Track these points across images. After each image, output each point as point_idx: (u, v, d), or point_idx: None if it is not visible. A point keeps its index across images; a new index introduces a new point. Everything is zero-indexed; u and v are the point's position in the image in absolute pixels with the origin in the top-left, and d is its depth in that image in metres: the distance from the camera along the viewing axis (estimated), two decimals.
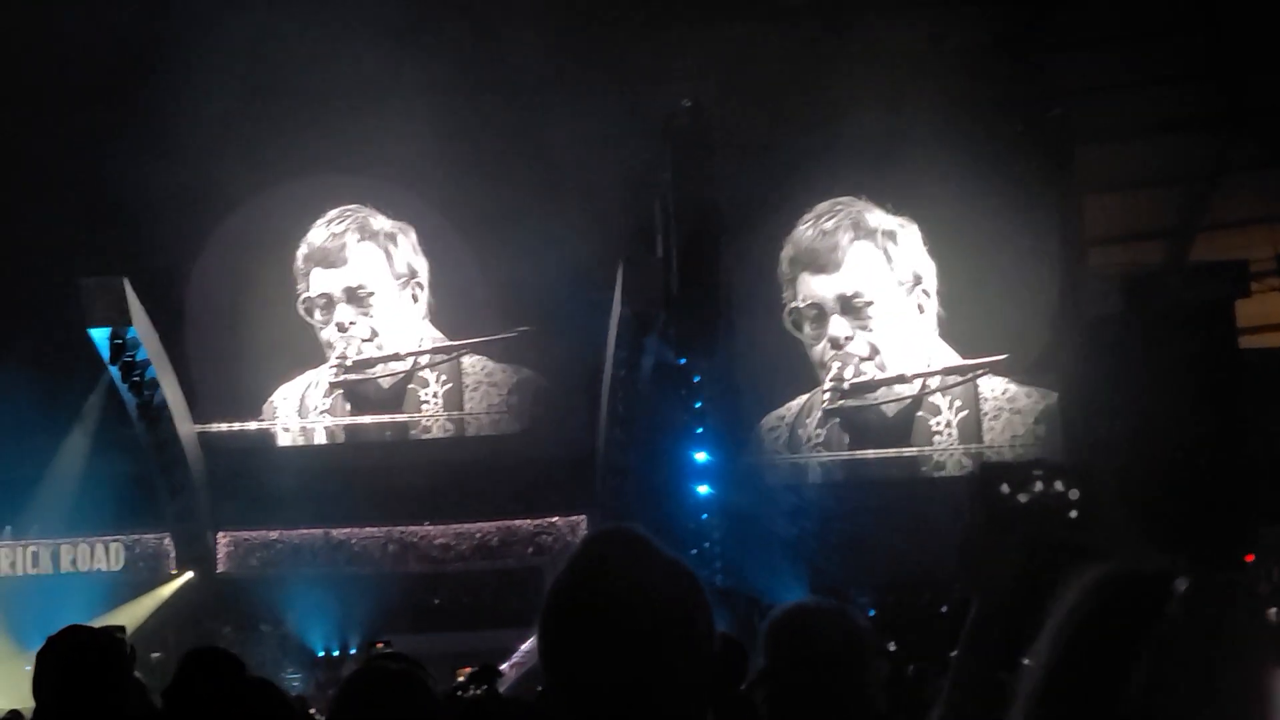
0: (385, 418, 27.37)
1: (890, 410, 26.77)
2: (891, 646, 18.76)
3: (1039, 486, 3.13)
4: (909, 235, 26.69)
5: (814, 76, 25.46)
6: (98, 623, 17.28)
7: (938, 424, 26.71)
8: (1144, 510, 18.61)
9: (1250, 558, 23.06)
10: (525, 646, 25.25)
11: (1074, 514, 3.12)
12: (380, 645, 18.80)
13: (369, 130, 25.28)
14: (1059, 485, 3.15)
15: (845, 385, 26.65)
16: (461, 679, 11.70)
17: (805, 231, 26.70)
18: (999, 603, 2.99)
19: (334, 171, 26.08)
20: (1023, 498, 3.12)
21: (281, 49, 23.71)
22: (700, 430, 25.23)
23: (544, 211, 24.15)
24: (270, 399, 27.17)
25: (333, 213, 27.14)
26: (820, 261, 26.65)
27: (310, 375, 27.29)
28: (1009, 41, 26.07)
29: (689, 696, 2.41)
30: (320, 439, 27.46)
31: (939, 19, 25.66)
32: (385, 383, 27.42)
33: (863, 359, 26.63)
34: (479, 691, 8.56)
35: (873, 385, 26.75)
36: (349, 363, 27.17)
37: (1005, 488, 3.13)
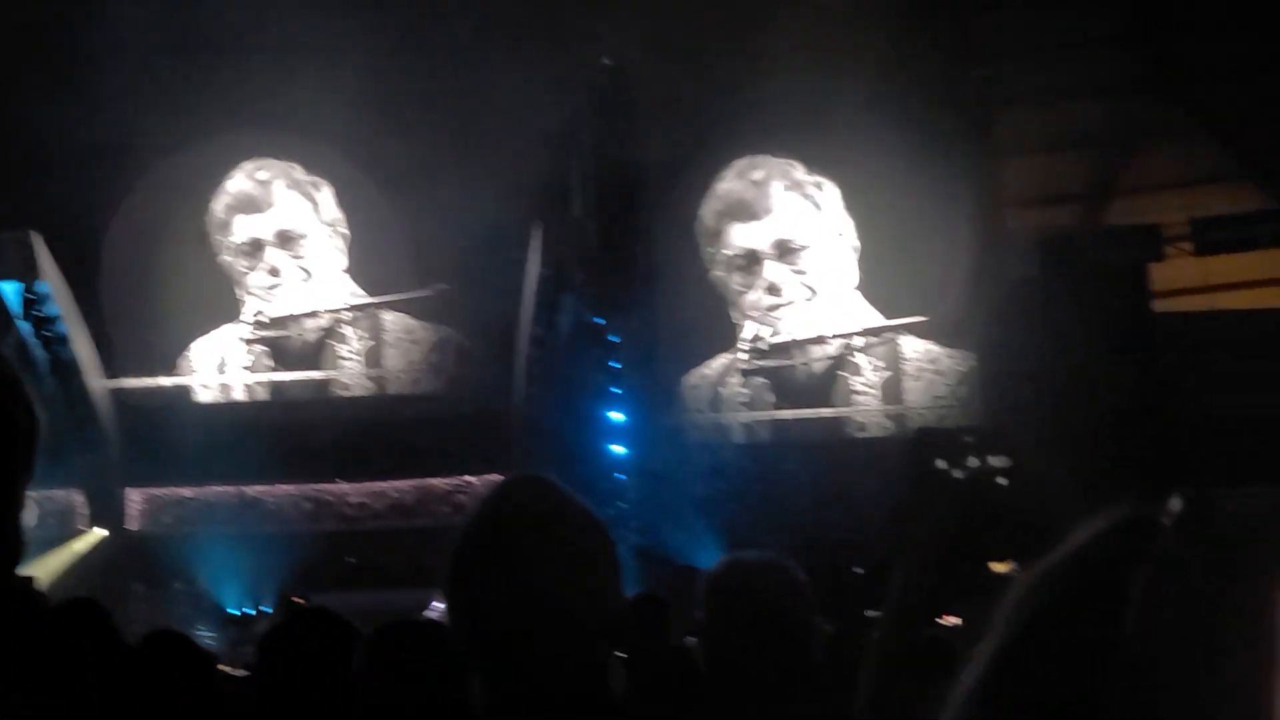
0: (304, 375, 27.20)
1: (814, 369, 26.86)
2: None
3: (972, 457, 3.11)
4: (831, 190, 26.76)
5: (738, 35, 25.40)
6: None
7: (859, 384, 26.81)
8: (1063, 473, 18.76)
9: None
10: (441, 604, 25.22)
11: (1003, 481, 3.10)
12: (297, 600, 18.73)
13: (287, 85, 25.00)
14: (991, 456, 3.13)
15: (763, 346, 26.70)
16: None
17: (731, 185, 26.75)
18: (924, 571, 2.99)
19: (251, 126, 25.86)
20: (957, 471, 3.10)
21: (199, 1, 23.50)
22: (617, 390, 25.21)
23: (463, 170, 23.99)
24: (187, 354, 26.95)
25: (249, 165, 26.94)
26: (750, 210, 26.72)
27: (229, 330, 27.09)
28: (933, 2, 26.13)
29: (591, 644, 2.41)
30: (239, 395, 27.26)
31: None
32: (308, 337, 27.24)
33: (801, 300, 26.62)
34: None
35: (788, 347, 26.81)
36: (266, 319, 26.98)
37: (939, 458, 3.11)
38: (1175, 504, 1.27)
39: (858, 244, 26.70)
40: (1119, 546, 1.26)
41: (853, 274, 26.76)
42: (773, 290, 26.62)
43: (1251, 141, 29.66)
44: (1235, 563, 1.21)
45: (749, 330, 26.68)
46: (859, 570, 23.66)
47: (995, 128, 26.56)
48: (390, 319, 27.19)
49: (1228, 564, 1.22)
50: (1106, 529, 1.28)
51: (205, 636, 23.94)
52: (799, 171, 26.74)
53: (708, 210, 26.74)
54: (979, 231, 26.09)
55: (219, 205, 26.94)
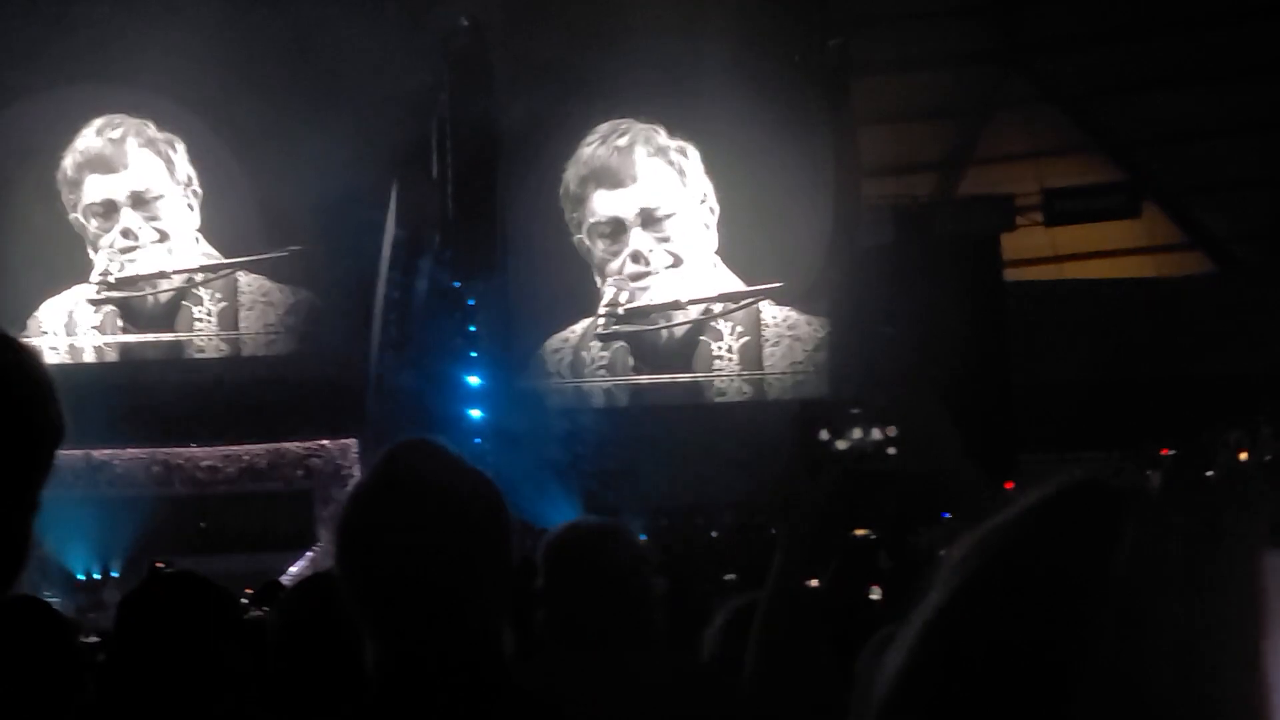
0: (157, 336, 26.77)
1: (674, 333, 26.91)
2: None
3: (857, 431, 3.13)
4: (694, 155, 26.79)
5: None
6: None
7: (719, 349, 26.92)
8: (916, 439, 18.98)
9: (1010, 485, 23.68)
10: (294, 569, 25.01)
11: (891, 451, 3.13)
12: (159, 565, 18.50)
13: (137, 39, 24.56)
14: (877, 430, 3.15)
15: (620, 310, 26.72)
16: (245, 600, 11.59)
17: (595, 150, 26.65)
18: (804, 539, 3.02)
19: (101, 80, 25.34)
20: (841, 443, 3.12)
21: None
22: (474, 354, 25.13)
23: (319, 129, 23.70)
24: (35, 314, 26.37)
25: (99, 121, 26.37)
26: (616, 177, 26.64)
27: (79, 290, 26.54)
28: None
29: (491, 607, 2.40)
30: (89, 357, 26.75)
31: None
32: (161, 298, 26.79)
33: (663, 270, 26.65)
34: (262, 612, 8.43)
35: (646, 311, 26.85)
36: (112, 279, 26.51)
37: (823, 432, 3.13)
38: (1164, 468, 1.26)
39: (718, 210, 26.75)
40: (1073, 513, 1.25)
41: (714, 240, 26.82)
42: (637, 258, 26.61)
43: (1099, 114, 30.20)
44: (1220, 528, 1.21)
45: (608, 295, 26.67)
46: (714, 534, 23.85)
47: (851, 97, 26.74)
48: (246, 280, 26.81)
49: (1213, 529, 1.21)
50: (1057, 495, 1.27)
51: (52, 601, 23.58)
52: (662, 136, 26.72)
53: (571, 175, 26.65)
54: (835, 199, 26.27)
55: (69, 163, 26.35)
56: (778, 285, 26.75)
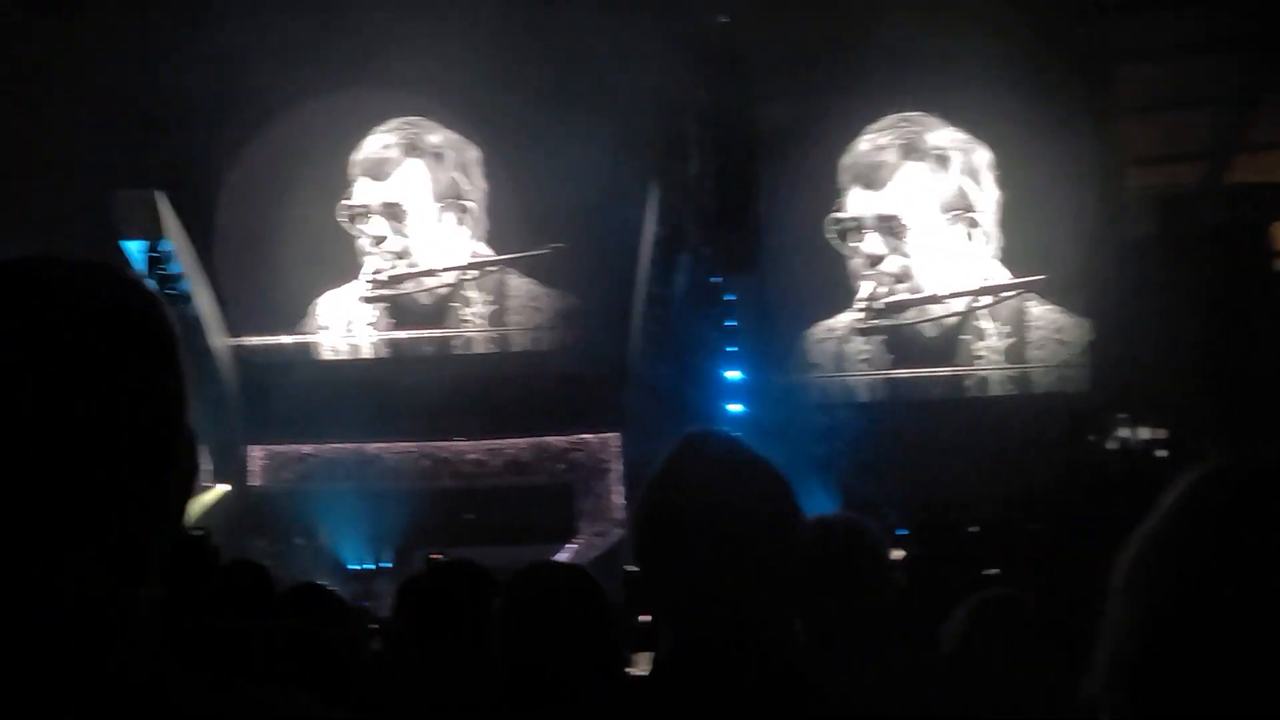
0: (427, 332, 27.34)
1: (930, 331, 26.71)
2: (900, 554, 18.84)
3: (1124, 431, 3.18)
4: (969, 156, 26.53)
5: None
6: None
7: (982, 349, 26.65)
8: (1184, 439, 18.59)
9: None
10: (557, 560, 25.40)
11: (1162, 453, 3.16)
12: (436, 556, 18.94)
13: (402, 42, 25.10)
14: (1145, 428, 3.20)
15: (878, 305, 26.60)
16: None
17: (862, 145, 26.61)
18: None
19: (378, 86, 25.86)
20: (1110, 444, 3.17)
21: None
22: (733, 349, 25.21)
23: (578, 128, 24.04)
24: (313, 310, 27.12)
25: (394, 121, 26.96)
26: (868, 178, 26.57)
27: (352, 287, 27.24)
28: None
29: (782, 595, 2.48)
30: (360, 353, 27.43)
31: None
32: (425, 299, 27.36)
33: (895, 278, 26.55)
34: None
35: (903, 306, 26.68)
36: (382, 277, 27.16)
37: (1092, 435, 3.18)
38: None
39: (982, 206, 26.46)
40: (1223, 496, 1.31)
41: (970, 237, 26.55)
42: (869, 261, 26.48)
43: None
44: None
45: (865, 289, 26.57)
46: (974, 529, 23.61)
47: (1114, 84, 26.23)
48: (516, 284, 27.22)
49: None
50: (1201, 481, 1.34)
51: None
52: (938, 134, 26.50)
53: (843, 164, 26.59)
54: (1095, 191, 25.80)
55: (352, 161, 27.00)
56: (1038, 279, 26.40)
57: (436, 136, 27.03)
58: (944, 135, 26.59)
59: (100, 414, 1.49)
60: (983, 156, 26.54)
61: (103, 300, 1.53)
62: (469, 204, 27.06)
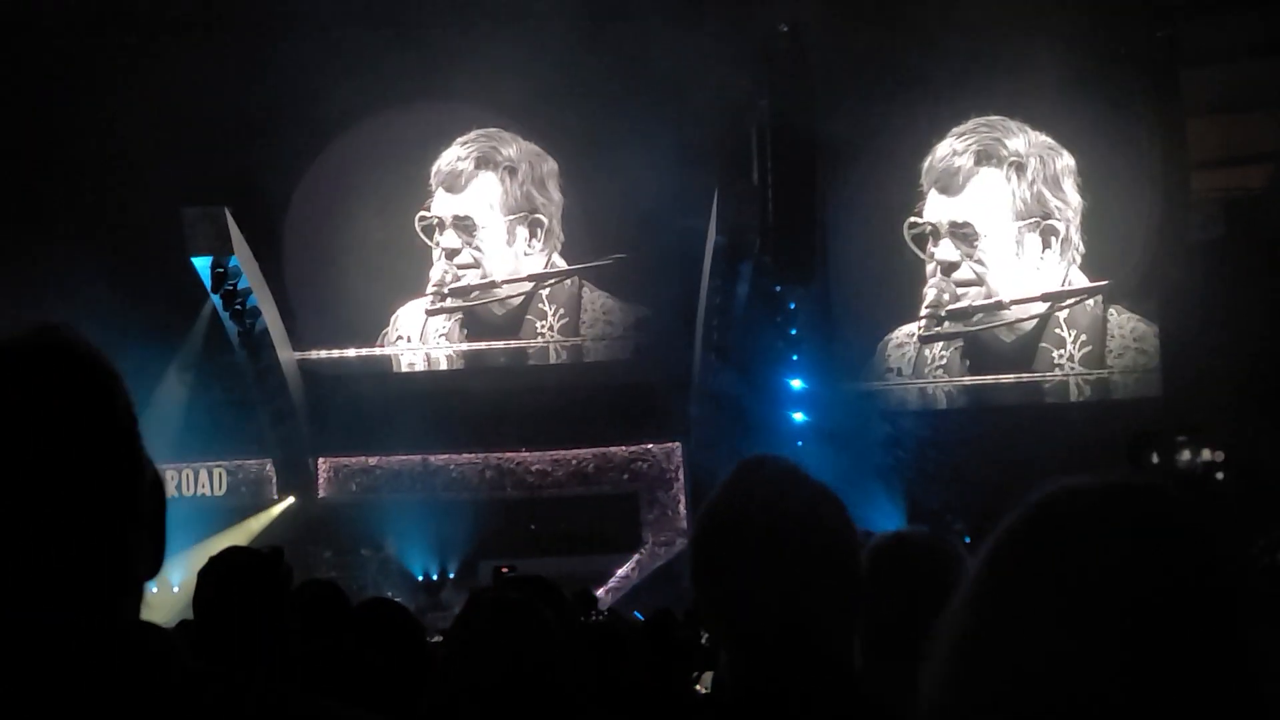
0: (502, 344, 27.37)
1: (1007, 337, 26.60)
2: None
3: (1186, 454, 3.16)
4: (1049, 161, 26.42)
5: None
6: (200, 547, 17.56)
7: (1059, 356, 26.53)
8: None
9: None
10: (621, 571, 25.45)
11: (1220, 477, 3.14)
12: (505, 570, 18.96)
13: (470, 58, 25.17)
14: (1206, 451, 3.18)
15: (942, 311, 26.51)
16: None
17: (943, 149, 26.51)
18: None
19: (450, 100, 25.93)
20: (1170, 465, 3.16)
21: None
22: (795, 358, 25.19)
23: (643, 138, 24.07)
24: (392, 322, 27.21)
25: (472, 133, 27.03)
26: (944, 183, 26.47)
27: (419, 302, 27.31)
28: None
29: (840, 615, 2.49)
30: (426, 365, 27.51)
31: None
32: (499, 310, 27.42)
33: (965, 284, 26.45)
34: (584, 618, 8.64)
35: (969, 312, 26.57)
36: (446, 289, 27.25)
37: (1155, 457, 3.16)
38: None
39: (1054, 212, 26.35)
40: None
41: (1041, 243, 26.42)
42: (947, 268, 26.38)
43: None
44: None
45: (930, 296, 26.48)
46: None
47: (1180, 88, 26.07)
48: (589, 296, 27.25)
49: None
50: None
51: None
52: (1016, 140, 26.39)
53: (924, 166, 26.49)
54: (1163, 193, 25.66)
55: (431, 173, 27.10)
56: (1105, 283, 26.26)
57: (511, 149, 27.07)
58: (1022, 140, 26.45)
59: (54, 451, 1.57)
60: (1064, 162, 26.40)
61: (38, 366, 1.59)
62: (543, 217, 27.08)
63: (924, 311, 26.53)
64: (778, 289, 24.80)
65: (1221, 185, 26.79)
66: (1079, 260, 26.49)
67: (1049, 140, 26.39)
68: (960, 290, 26.48)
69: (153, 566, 1.67)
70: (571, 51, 24.56)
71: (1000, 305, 26.57)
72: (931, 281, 26.48)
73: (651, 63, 24.15)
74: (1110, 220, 25.82)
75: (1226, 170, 27.55)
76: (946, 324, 26.57)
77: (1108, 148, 25.26)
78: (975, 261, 26.39)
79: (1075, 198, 26.39)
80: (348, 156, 26.28)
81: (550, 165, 26.98)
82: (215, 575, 4.40)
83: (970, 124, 26.51)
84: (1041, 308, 26.56)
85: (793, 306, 24.98)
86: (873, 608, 3.81)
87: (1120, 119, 25.17)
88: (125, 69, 24.38)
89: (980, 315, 26.58)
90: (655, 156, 23.86)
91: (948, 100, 25.95)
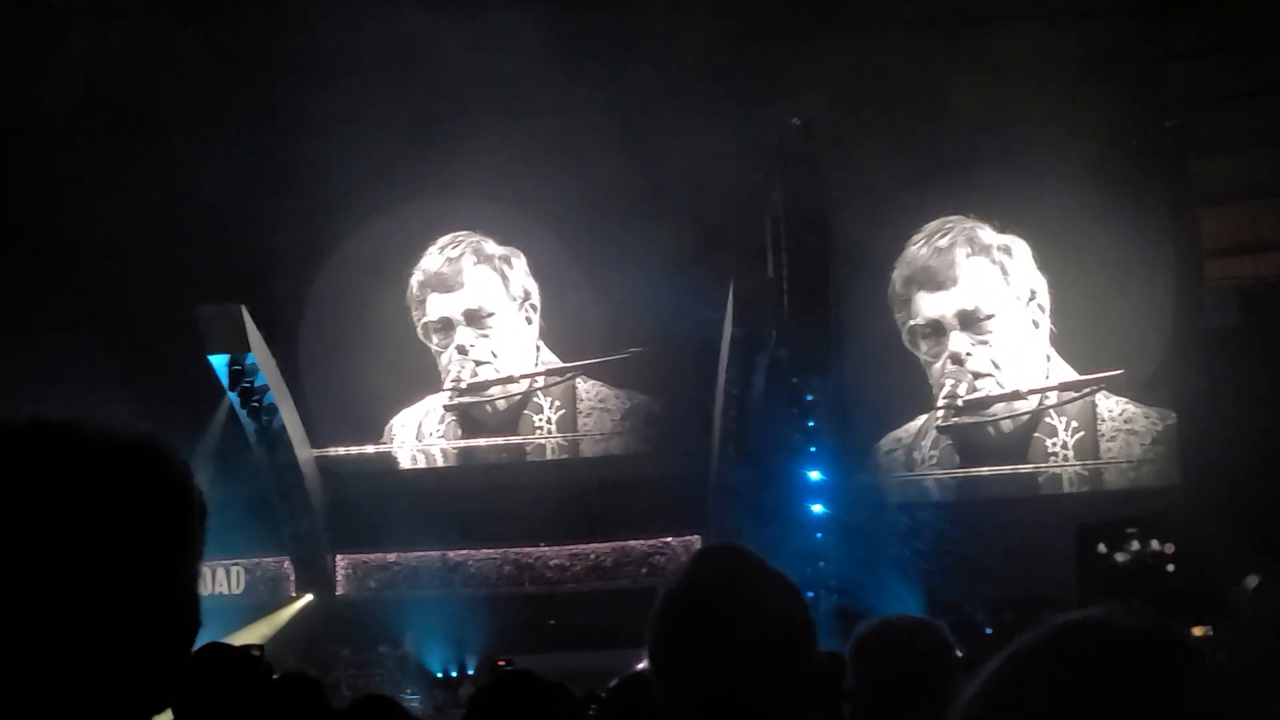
0: (500, 440, 27.51)
1: (1006, 427, 26.58)
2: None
3: (1135, 545, 3.19)
4: (1020, 251, 26.54)
5: (925, 90, 25.37)
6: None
7: (1053, 445, 26.49)
8: (1256, 531, 18.34)
9: None
10: (641, 666, 25.32)
11: (1171, 568, 3.17)
12: (501, 663, 18.91)
13: (479, 152, 25.36)
14: (1155, 542, 3.21)
15: (959, 402, 26.50)
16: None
17: (919, 250, 26.59)
18: None
19: (443, 197, 26.19)
20: (1120, 556, 3.19)
21: (392, 75, 24.07)
22: (813, 449, 25.18)
23: (655, 231, 24.20)
24: (390, 424, 27.37)
25: (444, 239, 27.34)
26: (937, 279, 26.53)
27: (429, 401, 27.44)
28: (1122, 53, 25.78)
29: (793, 705, 2.53)
30: (438, 462, 27.59)
31: (1052, 31, 25.39)
32: (500, 405, 27.53)
33: (981, 375, 26.47)
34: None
35: (987, 402, 26.58)
36: (463, 385, 27.33)
37: (1102, 547, 3.19)
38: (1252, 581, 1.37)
39: (1049, 303, 26.43)
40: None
41: (1043, 334, 26.48)
42: (956, 359, 26.41)
43: None
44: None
45: (946, 387, 26.48)
46: None
47: (1190, 177, 26.17)
48: (584, 387, 27.40)
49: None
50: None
51: (411, 699, 24.34)
52: (986, 234, 26.54)
53: (897, 276, 26.62)
54: (1175, 282, 25.70)
55: (414, 281, 27.33)
56: (1118, 372, 26.26)
57: (498, 247, 27.31)
58: (993, 234, 26.58)
59: (108, 567, 1.59)
60: (1046, 254, 26.44)
61: (129, 467, 1.61)
62: (539, 309, 27.25)
63: (942, 401, 26.52)
64: (795, 380, 24.83)
65: (1234, 274, 26.82)
66: (1060, 347, 26.49)
67: (1017, 234, 26.48)
68: (978, 382, 26.48)
69: (160, 702, 1.68)
70: (586, 146, 24.75)
71: (1017, 395, 26.58)
72: (950, 373, 26.47)
73: (660, 153, 24.34)
74: (1104, 311, 25.79)
75: (1239, 258, 27.59)
76: (963, 416, 26.55)
77: (1109, 238, 25.29)
78: (987, 346, 26.42)
79: (1039, 282, 26.43)
80: (356, 256, 26.49)
81: (543, 257, 27.11)
82: (196, 672, 4.40)
83: (936, 223, 26.59)
84: (1040, 399, 26.55)
85: (809, 398, 25.00)
86: (858, 691, 3.83)
87: (1126, 210, 25.22)
88: (136, 166, 24.62)
89: (998, 405, 26.58)
90: (665, 249, 23.98)
91: (931, 195, 26.02)
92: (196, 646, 4.69)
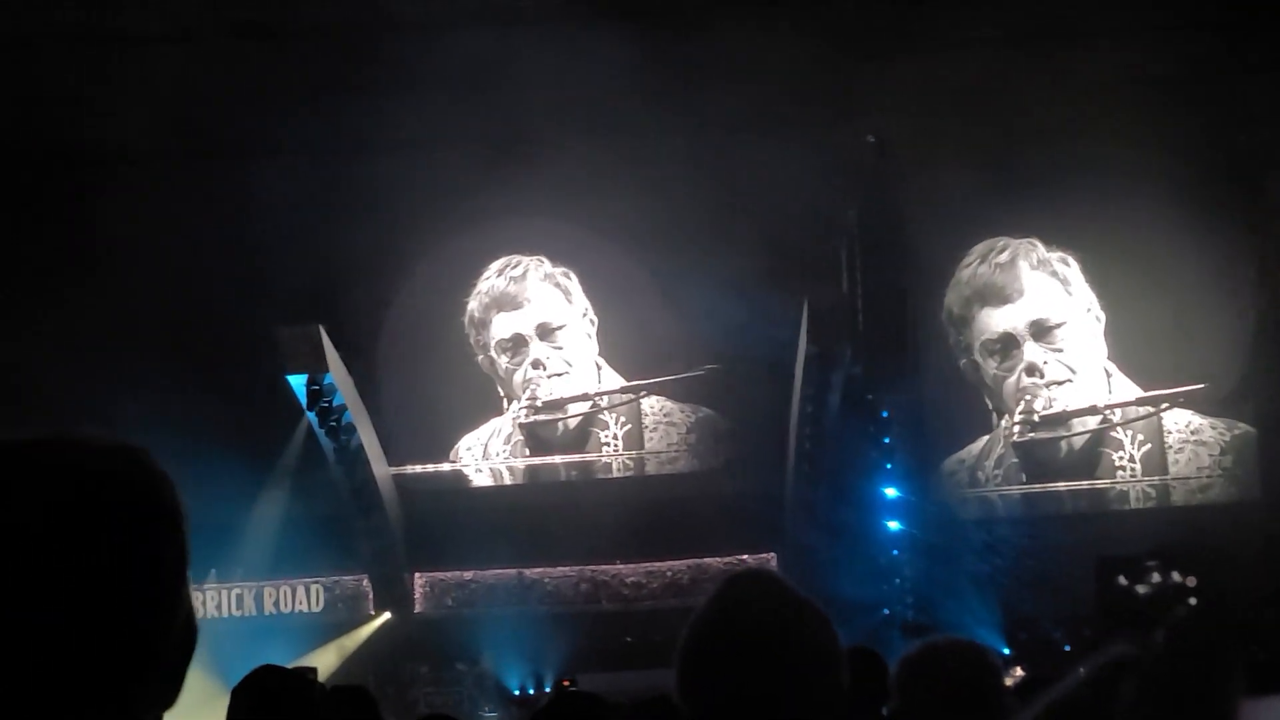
0: (571, 458, 27.56)
1: (1077, 443, 26.41)
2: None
3: (1156, 577, 3.18)
4: (1077, 266, 26.41)
5: (1001, 108, 25.30)
6: (299, 663, 17.67)
7: (1120, 459, 26.30)
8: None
9: None
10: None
11: (1192, 601, 3.15)
12: (566, 683, 18.93)
13: (552, 172, 25.43)
14: (1176, 574, 3.19)
15: (1036, 418, 26.35)
16: None
17: (976, 269, 26.49)
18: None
19: (510, 215, 26.24)
20: (1140, 589, 3.17)
21: (464, 95, 24.27)
22: (889, 466, 25.11)
23: (728, 250, 24.24)
24: (457, 446, 27.46)
25: (497, 263, 27.37)
26: (1003, 294, 26.43)
27: (494, 423, 27.52)
28: (1197, 71, 25.56)
29: None
30: (506, 480, 27.66)
31: (1131, 47, 25.20)
32: (570, 423, 27.57)
33: (1059, 383, 26.31)
34: None
35: (1064, 417, 26.42)
36: (539, 403, 27.40)
37: (1122, 579, 3.18)
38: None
39: (1105, 317, 26.27)
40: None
41: (1103, 348, 26.32)
42: (1032, 370, 26.29)
43: None
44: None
45: (1023, 404, 26.33)
46: None
47: (1267, 189, 25.95)
48: (649, 404, 27.42)
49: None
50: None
51: (489, 716, 24.42)
52: (1041, 251, 26.44)
53: (953, 298, 26.53)
54: (1255, 299, 25.49)
55: (475, 305, 27.41)
56: (1200, 386, 26.03)
57: (554, 265, 27.38)
58: (1047, 250, 26.47)
59: (100, 583, 1.62)
60: (1105, 270, 26.26)
61: (110, 480, 1.65)
62: (598, 327, 27.31)
63: (1018, 417, 26.38)
64: (869, 397, 24.77)
65: None
66: (1122, 364, 26.32)
67: (1071, 252, 26.34)
68: (1054, 391, 26.33)
69: (161, 707, 1.70)
70: (660, 165, 24.83)
71: (1094, 410, 26.42)
72: (1030, 382, 26.33)
73: (733, 171, 24.37)
74: (1179, 325, 25.59)
75: None
76: (1040, 431, 26.40)
77: (1183, 253, 25.10)
78: (1060, 353, 26.30)
79: (1101, 304, 26.27)
80: (424, 278, 26.67)
81: (578, 277, 27.16)
82: (249, 695, 4.44)
83: (984, 244, 26.49)
84: (1127, 412, 26.37)
85: (885, 415, 24.93)
86: (896, 715, 3.83)
87: (1199, 225, 24.99)
88: (215, 190, 24.93)
89: (1075, 420, 26.42)
90: (739, 267, 24.02)
91: (986, 215, 25.95)
92: (254, 668, 4.74)
